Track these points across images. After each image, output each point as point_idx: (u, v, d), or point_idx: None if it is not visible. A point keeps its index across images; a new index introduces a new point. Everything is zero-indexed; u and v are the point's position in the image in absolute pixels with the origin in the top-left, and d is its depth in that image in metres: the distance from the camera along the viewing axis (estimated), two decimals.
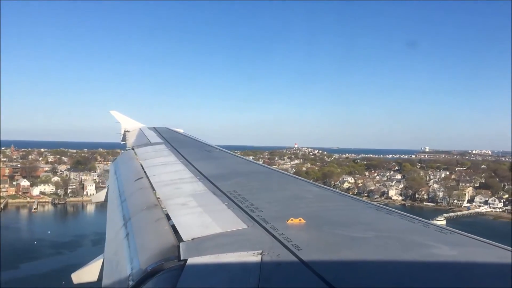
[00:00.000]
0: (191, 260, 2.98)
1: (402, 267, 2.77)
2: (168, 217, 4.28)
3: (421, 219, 3.96)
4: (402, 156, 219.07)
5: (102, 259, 4.39)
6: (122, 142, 15.68)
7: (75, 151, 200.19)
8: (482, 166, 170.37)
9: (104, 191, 8.58)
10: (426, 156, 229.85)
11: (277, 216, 3.92)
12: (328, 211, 4.35)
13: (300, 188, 5.85)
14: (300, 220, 3.72)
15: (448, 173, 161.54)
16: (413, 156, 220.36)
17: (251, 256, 2.91)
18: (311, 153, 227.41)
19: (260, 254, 2.93)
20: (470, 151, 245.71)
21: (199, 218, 4.08)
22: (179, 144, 11.49)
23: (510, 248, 3.11)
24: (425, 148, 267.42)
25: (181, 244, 3.35)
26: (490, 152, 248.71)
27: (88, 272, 4.53)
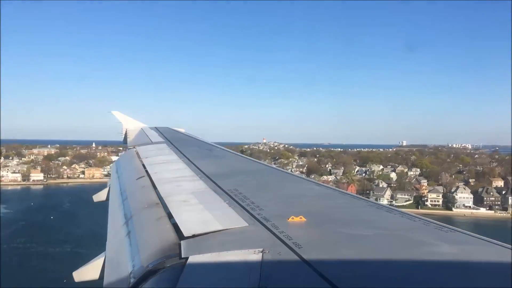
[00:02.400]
0: (192, 258, 2.99)
1: (403, 265, 2.78)
2: (169, 216, 4.29)
3: (421, 217, 3.97)
4: (372, 150, 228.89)
5: (103, 257, 4.40)
6: (124, 143, 15.72)
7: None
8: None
9: (106, 190, 8.60)
10: (394, 149, 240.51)
11: (278, 214, 3.93)
12: (329, 209, 4.36)
13: (301, 186, 5.86)
14: (300, 218, 3.73)
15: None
16: (381, 150, 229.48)
17: (252, 254, 2.92)
18: (276, 147, 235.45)
19: (261, 252, 2.94)
20: (448, 145, 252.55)
21: (200, 216, 4.10)
22: (180, 143, 11.53)
23: (510, 246, 3.11)
24: (402, 142, 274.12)
25: (182, 242, 3.36)
26: (469, 146, 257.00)
27: (90, 270, 4.55)
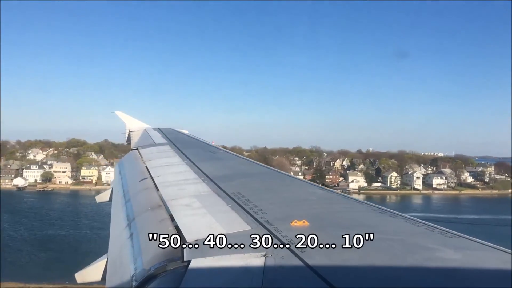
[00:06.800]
0: (195, 261, 2.98)
1: (406, 271, 2.76)
2: (172, 218, 4.29)
3: (425, 222, 3.95)
4: None
5: (105, 259, 4.40)
6: (127, 143, 15.79)
7: None
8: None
9: (109, 191, 8.62)
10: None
11: (281, 217, 3.92)
12: (332, 213, 4.34)
13: (304, 190, 5.84)
14: (303, 222, 3.71)
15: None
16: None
17: (254, 258, 2.91)
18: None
19: (264, 256, 2.93)
20: (411, 151, 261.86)
21: (203, 219, 4.09)
22: (183, 145, 11.55)
23: None
24: (369, 149, 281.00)
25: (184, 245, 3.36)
26: (441, 154, 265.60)
27: (92, 272, 4.55)
